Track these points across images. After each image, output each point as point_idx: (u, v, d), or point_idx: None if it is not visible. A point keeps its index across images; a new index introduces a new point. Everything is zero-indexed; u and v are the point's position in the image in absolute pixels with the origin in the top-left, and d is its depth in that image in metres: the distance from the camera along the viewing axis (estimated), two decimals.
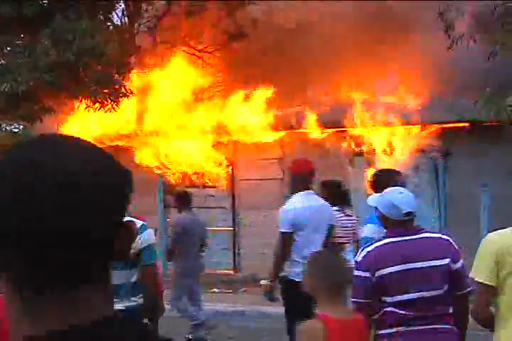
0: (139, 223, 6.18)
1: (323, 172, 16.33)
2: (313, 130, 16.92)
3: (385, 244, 5.55)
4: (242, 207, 18.10)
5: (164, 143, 18.42)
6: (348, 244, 9.98)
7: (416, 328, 5.33)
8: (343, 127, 16.70)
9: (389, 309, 5.35)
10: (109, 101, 17.37)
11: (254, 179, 17.55)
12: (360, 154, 16.88)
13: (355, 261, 5.68)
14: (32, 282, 1.34)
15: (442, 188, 16.36)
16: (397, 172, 7.95)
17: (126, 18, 19.78)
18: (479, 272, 4.99)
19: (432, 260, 5.45)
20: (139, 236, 6.02)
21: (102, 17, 19.02)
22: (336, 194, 10.10)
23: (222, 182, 18.23)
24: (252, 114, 17.88)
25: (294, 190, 8.96)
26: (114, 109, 17.54)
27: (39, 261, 1.32)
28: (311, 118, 16.90)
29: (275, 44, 17.66)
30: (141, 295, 6.10)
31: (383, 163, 16.66)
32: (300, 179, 8.87)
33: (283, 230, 8.58)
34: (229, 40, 19.34)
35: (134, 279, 6.06)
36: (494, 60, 13.95)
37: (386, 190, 5.84)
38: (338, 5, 17.15)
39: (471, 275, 5.07)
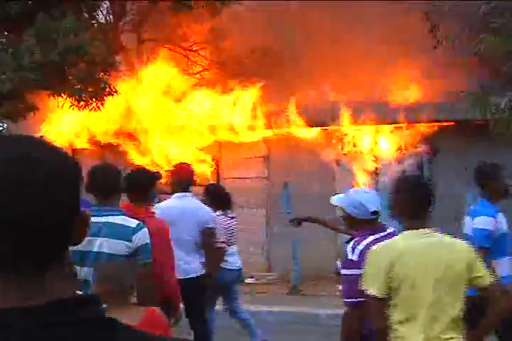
0: (134, 223, 6.18)
1: (310, 170, 16.45)
2: (299, 129, 16.90)
3: (371, 241, 5.61)
4: None
5: (149, 143, 18.38)
6: (233, 246, 10.28)
7: None
8: (330, 126, 16.69)
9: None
10: (94, 99, 17.33)
11: (239, 177, 17.52)
12: (347, 153, 16.86)
13: (351, 260, 5.69)
14: None
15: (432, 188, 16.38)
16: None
17: (111, 17, 19.70)
18: (370, 284, 4.98)
19: None
20: (134, 236, 6.02)
21: (86, 15, 18.95)
22: (218, 198, 10.30)
23: (207, 180, 18.22)
24: (237, 113, 17.86)
25: (173, 192, 9.30)
26: (98, 107, 17.51)
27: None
28: (297, 117, 16.89)
29: (261, 43, 17.60)
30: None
31: (369, 162, 16.73)
32: (177, 182, 9.25)
33: None
34: (215, 37, 19.26)
35: None
36: (479, 61, 13.99)
37: (351, 190, 6.22)
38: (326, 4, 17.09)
39: (363, 287, 5.04)
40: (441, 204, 15.64)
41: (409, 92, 16.99)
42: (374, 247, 5.19)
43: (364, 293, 5.08)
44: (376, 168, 16.74)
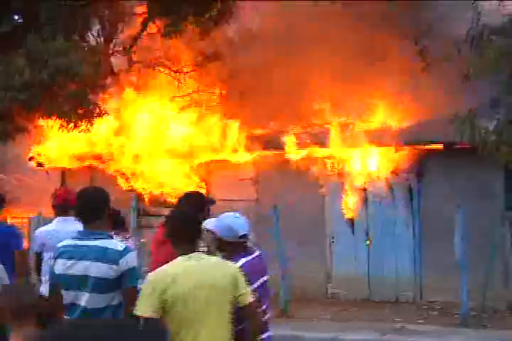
0: (121, 246, 6.12)
1: (299, 192, 16.39)
2: (288, 151, 16.86)
3: (244, 264, 6.12)
4: None
5: (139, 164, 18.33)
6: None
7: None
8: (319, 148, 16.67)
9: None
10: (84, 121, 17.28)
11: (228, 199, 17.45)
12: (337, 175, 16.83)
13: None
14: None
15: (417, 209, 16.35)
16: None
17: (101, 39, 19.69)
18: (144, 309, 5.44)
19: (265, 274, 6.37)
20: (122, 259, 5.97)
21: (77, 37, 18.94)
22: (113, 220, 10.34)
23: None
24: (226, 134, 17.83)
25: (55, 216, 9.44)
26: (88, 129, 17.44)
27: None
28: (287, 139, 16.85)
29: (251, 65, 17.61)
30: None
31: (358, 183, 16.71)
32: (58, 207, 9.37)
33: (33, 251, 9.53)
34: (204, 60, 19.28)
35: (115, 302, 5.97)
36: (467, 83, 13.98)
37: (222, 215, 6.48)
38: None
39: (137, 312, 5.46)
40: (429, 225, 15.79)
41: (397, 115, 16.99)
42: (149, 275, 5.75)
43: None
44: (365, 189, 16.69)
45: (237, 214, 6.46)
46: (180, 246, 5.71)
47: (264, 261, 6.39)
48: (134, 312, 5.61)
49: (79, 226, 7.56)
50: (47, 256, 8.84)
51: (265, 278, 6.20)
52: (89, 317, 5.85)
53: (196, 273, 5.52)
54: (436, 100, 15.11)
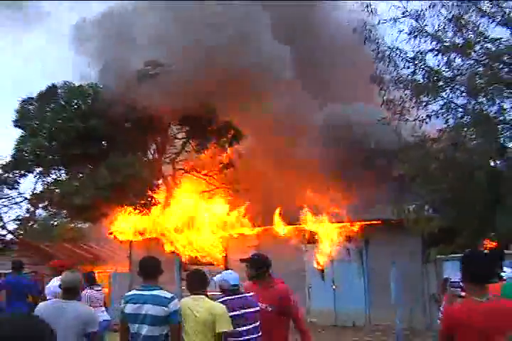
0: (169, 295, 5.99)
1: (286, 255, 16.26)
2: (278, 226, 16.87)
3: (229, 299, 6.11)
4: None
5: (181, 236, 18.27)
6: (101, 307, 10.04)
7: None
8: (299, 224, 16.66)
9: (231, 339, 5.92)
10: (144, 208, 17.39)
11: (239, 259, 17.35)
12: (311, 242, 16.76)
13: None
14: None
15: (366, 264, 16.22)
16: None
17: (155, 154, 19.92)
18: None
19: (251, 308, 6.10)
20: (170, 304, 5.84)
21: (140, 153, 19.18)
22: (87, 277, 10.05)
23: (219, 261, 18.00)
24: (239, 217, 17.85)
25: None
26: (147, 213, 17.55)
27: None
28: (277, 219, 16.88)
29: (253, 171, 17.75)
30: None
31: (326, 248, 16.59)
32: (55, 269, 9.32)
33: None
34: (222, 168, 19.46)
35: (165, 332, 5.85)
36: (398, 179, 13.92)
37: (223, 272, 6.50)
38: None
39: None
40: (373, 275, 15.51)
41: (350, 203, 17.01)
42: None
43: None
44: (330, 252, 16.57)
45: (231, 271, 6.52)
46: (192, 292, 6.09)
47: (249, 299, 6.21)
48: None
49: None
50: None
51: (248, 310, 6.09)
52: None
53: (194, 309, 5.87)
54: (375, 193, 15.18)
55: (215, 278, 6.46)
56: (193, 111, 17.56)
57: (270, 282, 6.53)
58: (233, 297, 6.17)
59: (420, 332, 14.48)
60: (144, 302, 5.88)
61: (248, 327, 6.04)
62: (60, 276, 9.42)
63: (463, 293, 4.95)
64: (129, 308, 5.90)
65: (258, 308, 6.17)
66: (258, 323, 6.10)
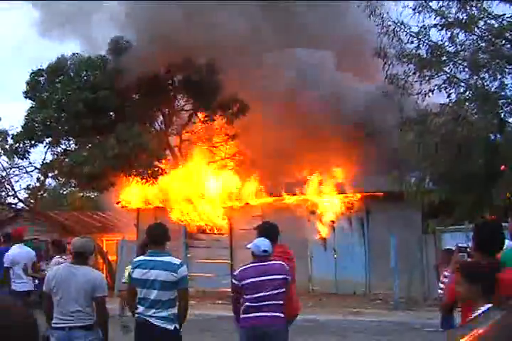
0: (177, 261, 6.07)
1: (289, 225, 16.50)
2: (282, 197, 17.07)
3: (248, 266, 6.18)
4: (237, 247, 18.06)
5: (187, 205, 18.48)
6: None
7: (258, 314, 5.97)
8: (302, 195, 16.86)
9: (247, 303, 6.00)
10: (151, 178, 17.57)
11: (245, 229, 17.60)
12: (314, 213, 16.98)
13: (233, 274, 6.35)
14: None
15: (366, 235, 16.47)
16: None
17: (163, 125, 20.00)
18: None
19: (273, 275, 6.07)
20: (179, 270, 5.91)
21: (147, 124, 19.29)
22: (58, 246, 10.08)
23: (224, 231, 18.28)
24: (243, 186, 18.02)
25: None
26: (153, 183, 17.74)
27: None
28: (281, 189, 17.04)
29: (257, 141, 17.83)
30: (176, 307, 5.94)
31: (328, 218, 16.83)
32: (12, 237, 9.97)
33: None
34: (228, 139, 19.53)
35: (173, 296, 5.91)
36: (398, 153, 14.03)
37: (256, 239, 6.41)
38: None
39: None
40: (373, 246, 15.81)
41: (353, 172, 17.16)
42: None
43: None
44: (332, 222, 16.83)
45: (264, 238, 6.48)
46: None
47: (275, 266, 6.17)
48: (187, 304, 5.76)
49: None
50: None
51: (268, 277, 6.05)
52: (156, 305, 5.83)
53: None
54: (377, 164, 15.31)
55: (248, 245, 6.58)
56: (199, 81, 17.63)
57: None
58: (255, 264, 6.17)
59: (418, 301, 14.80)
60: (153, 267, 5.93)
61: (264, 294, 6.03)
62: (19, 244, 9.62)
63: (469, 260, 4.98)
64: (137, 273, 5.96)
65: (282, 276, 6.13)
66: (278, 291, 6.07)
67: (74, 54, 18.44)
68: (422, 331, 11.22)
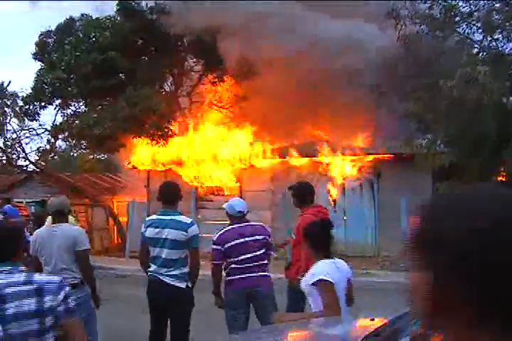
0: (188, 220, 6.13)
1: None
2: (293, 159, 17.12)
3: (226, 230, 6.27)
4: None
5: (197, 167, 18.61)
6: None
7: (245, 275, 6.06)
8: (313, 157, 16.91)
9: (232, 266, 6.09)
10: (161, 140, 17.66)
11: (254, 190, 17.75)
12: (324, 174, 17.06)
13: (213, 240, 6.32)
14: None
15: (376, 197, 16.57)
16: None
17: (172, 87, 19.99)
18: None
19: (254, 236, 6.18)
20: (189, 229, 5.98)
21: (157, 86, 19.27)
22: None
23: (234, 192, 18.42)
24: (253, 148, 18.09)
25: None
26: (164, 145, 17.85)
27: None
28: (292, 151, 17.08)
29: (268, 104, 17.77)
30: (188, 266, 6.06)
31: (338, 180, 16.90)
32: None
33: None
34: (238, 100, 19.49)
35: (184, 256, 6.02)
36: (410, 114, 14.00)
37: (231, 199, 6.63)
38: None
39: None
40: (383, 208, 15.88)
41: (364, 135, 17.15)
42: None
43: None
44: (343, 184, 16.91)
45: (238, 198, 6.59)
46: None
47: (255, 227, 6.30)
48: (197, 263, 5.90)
49: None
50: None
51: (251, 238, 6.14)
52: (168, 264, 5.92)
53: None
54: (388, 127, 15.29)
55: (223, 205, 6.65)
56: (209, 44, 17.54)
57: (303, 211, 6.58)
58: (234, 226, 6.24)
59: None
60: (164, 226, 6.01)
61: (249, 255, 6.09)
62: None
63: None
64: (150, 232, 6.06)
65: (263, 237, 6.24)
66: (263, 251, 6.18)
67: (83, 15, 18.37)
68: None
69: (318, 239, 4.66)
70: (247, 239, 6.16)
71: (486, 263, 0.94)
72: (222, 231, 6.31)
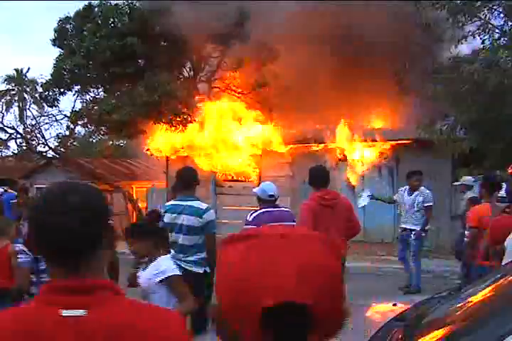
0: (204, 205, 6.19)
1: None
2: (311, 144, 17.12)
3: (261, 212, 6.40)
4: None
5: (216, 153, 18.67)
6: None
7: None
8: (332, 142, 16.92)
9: None
10: (180, 126, 17.74)
11: (273, 176, 17.79)
12: (343, 160, 17.05)
13: (247, 220, 6.50)
14: None
15: (396, 184, 16.53)
16: None
17: (192, 72, 20.00)
18: None
19: (287, 221, 6.22)
20: (205, 214, 6.03)
21: (176, 72, 19.31)
22: None
23: (253, 178, 18.49)
24: (272, 134, 18.10)
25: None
26: (183, 131, 17.93)
27: None
28: (310, 136, 17.08)
29: (287, 89, 17.75)
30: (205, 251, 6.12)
31: (358, 166, 16.89)
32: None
33: None
34: (257, 86, 19.43)
35: (201, 241, 6.08)
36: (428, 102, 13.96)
37: (262, 183, 6.70)
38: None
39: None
40: None
41: (383, 121, 17.12)
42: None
43: None
44: (361, 170, 16.89)
45: (270, 182, 6.64)
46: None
47: (284, 213, 6.34)
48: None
49: None
50: None
51: (284, 223, 6.07)
52: (184, 250, 6.00)
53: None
54: (408, 112, 15.24)
55: (254, 189, 6.65)
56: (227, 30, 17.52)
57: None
58: (268, 210, 6.31)
59: (446, 250, 14.98)
60: (181, 212, 6.11)
61: None
62: None
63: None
64: (168, 218, 6.15)
65: (292, 224, 6.24)
66: None
67: (101, 1, 18.43)
68: (450, 279, 11.42)
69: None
70: (280, 223, 6.11)
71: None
72: (257, 213, 6.37)
